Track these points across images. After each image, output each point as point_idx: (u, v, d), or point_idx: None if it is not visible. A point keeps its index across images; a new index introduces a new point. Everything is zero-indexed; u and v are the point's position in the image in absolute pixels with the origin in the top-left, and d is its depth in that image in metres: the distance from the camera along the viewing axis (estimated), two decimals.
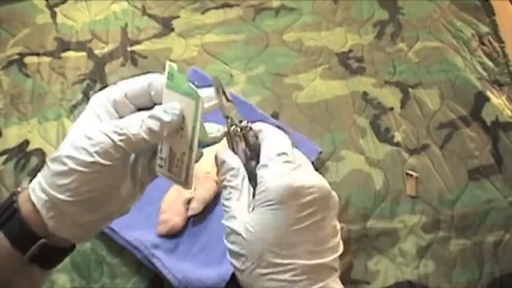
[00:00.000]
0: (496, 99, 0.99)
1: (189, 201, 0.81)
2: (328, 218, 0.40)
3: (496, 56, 1.07)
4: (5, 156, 0.93)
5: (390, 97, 1.00)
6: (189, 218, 0.81)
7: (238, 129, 0.43)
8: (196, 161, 0.43)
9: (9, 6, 1.21)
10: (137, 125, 0.41)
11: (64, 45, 1.12)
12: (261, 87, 1.02)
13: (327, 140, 0.93)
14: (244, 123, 0.43)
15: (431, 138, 0.93)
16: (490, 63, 1.05)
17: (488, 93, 0.99)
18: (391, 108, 0.98)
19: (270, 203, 0.38)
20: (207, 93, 0.44)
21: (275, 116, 0.96)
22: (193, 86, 0.41)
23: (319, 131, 0.94)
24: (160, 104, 0.43)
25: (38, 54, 1.11)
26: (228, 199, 0.41)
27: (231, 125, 0.43)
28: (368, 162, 0.90)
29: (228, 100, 0.43)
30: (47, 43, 1.13)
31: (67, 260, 0.71)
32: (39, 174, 0.43)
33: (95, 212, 0.43)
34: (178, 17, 1.18)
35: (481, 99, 0.98)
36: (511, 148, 0.91)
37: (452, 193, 0.86)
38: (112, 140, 0.40)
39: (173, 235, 0.79)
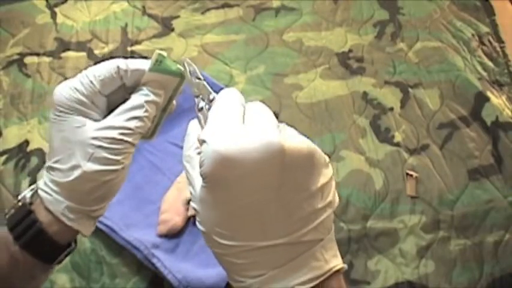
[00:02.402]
0: (496, 99, 0.99)
1: (189, 201, 0.81)
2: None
3: (496, 56, 1.07)
4: (5, 156, 0.93)
5: (390, 97, 1.00)
6: (189, 218, 0.81)
7: (207, 106, 0.42)
8: (170, 113, 0.47)
9: (9, 6, 1.21)
10: (141, 117, 0.43)
11: (64, 45, 1.12)
12: (261, 87, 1.02)
13: (327, 140, 0.93)
14: (212, 96, 0.42)
15: (431, 138, 0.93)
16: (490, 63, 1.05)
17: (488, 93, 0.99)
18: (391, 108, 0.98)
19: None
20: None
21: (275, 116, 0.96)
22: (180, 67, 0.45)
23: (319, 131, 0.94)
24: (132, 85, 0.44)
25: (38, 54, 1.11)
26: (188, 170, 0.39)
27: (199, 103, 0.42)
28: (368, 162, 0.90)
29: (198, 78, 0.43)
30: (47, 43, 1.13)
31: (67, 259, 0.71)
32: (59, 198, 0.42)
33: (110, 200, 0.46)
34: (178, 17, 1.18)
35: (481, 99, 0.98)
36: (511, 148, 0.91)
37: (452, 193, 0.86)
38: (129, 142, 0.42)
39: (173, 235, 0.79)
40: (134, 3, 1.21)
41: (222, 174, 0.33)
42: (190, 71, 0.44)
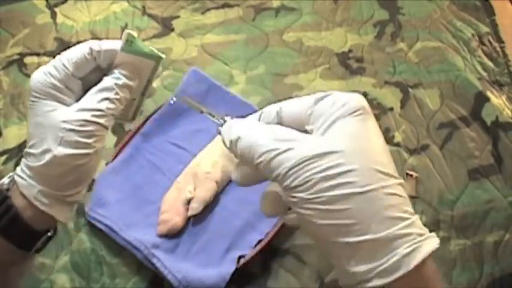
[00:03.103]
0: (496, 99, 0.99)
1: (189, 201, 0.81)
2: None
3: (496, 56, 1.07)
4: (5, 156, 0.93)
5: (390, 97, 1.00)
6: (189, 218, 0.81)
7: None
8: (149, 97, 0.47)
9: (9, 6, 1.21)
10: (113, 100, 0.43)
11: (64, 45, 1.12)
12: (261, 87, 1.02)
13: None
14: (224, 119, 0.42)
15: (431, 138, 0.93)
16: (490, 63, 1.05)
17: (488, 93, 0.99)
18: (391, 108, 0.98)
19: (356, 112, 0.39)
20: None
21: None
22: (154, 49, 0.45)
23: None
24: (106, 67, 0.44)
25: (38, 54, 1.11)
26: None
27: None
28: None
29: (201, 111, 0.44)
30: (47, 43, 1.13)
31: (67, 260, 0.72)
32: (32, 182, 0.43)
33: (87, 185, 0.46)
34: (178, 17, 1.18)
35: (481, 99, 0.98)
36: (511, 148, 0.91)
37: (452, 193, 0.86)
38: (100, 124, 0.42)
39: (173, 235, 0.79)
40: (134, 3, 1.21)
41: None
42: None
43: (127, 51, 0.43)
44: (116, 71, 0.43)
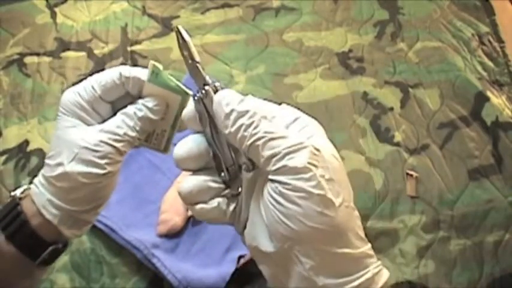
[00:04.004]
0: (496, 99, 0.98)
1: None
2: None
3: (496, 56, 1.07)
4: (5, 156, 0.93)
5: (390, 97, 1.00)
6: (189, 218, 0.81)
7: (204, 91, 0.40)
8: (179, 131, 0.46)
9: (9, 6, 1.21)
10: (132, 128, 0.42)
11: (64, 45, 1.12)
12: (261, 87, 1.02)
13: None
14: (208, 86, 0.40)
15: (431, 138, 0.93)
16: (490, 63, 1.05)
17: (488, 93, 0.99)
18: (391, 108, 0.98)
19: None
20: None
21: None
22: (181, 85, 0.43)
23: None
24: (136, 95, 0.44)
25: (38, 54, 1.11)
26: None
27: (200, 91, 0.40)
28: (368, 162, 0.90)
29: (191, 59, 0.40)
30: (47, 43, 1.13)
31: (67, 260, 0.72)
32: (42, 190, 0.43)
33: (100, 208, 0.46)
34: (178, 17, 1.18)
35: (481, 99, 0.98)
36: (511, 148, 0.91)
37: (452, 193, 0.86)
38: (116, 148, 0.42)
39: (173, 235, 0.79)
40: (134, 3, 1.21)
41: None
42: (156, 73, 0.43)
43: (154, 83, 0.43)
44: (140, 101, 0.43)
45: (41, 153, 0.93)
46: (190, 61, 0.40)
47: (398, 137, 0.94)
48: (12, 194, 0.45)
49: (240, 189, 0.40)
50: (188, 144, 0.40)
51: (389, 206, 0.84)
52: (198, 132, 0.41)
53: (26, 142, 0.95)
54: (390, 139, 0.93)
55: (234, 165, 0.40)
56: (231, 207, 0.40)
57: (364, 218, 0.83)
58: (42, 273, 0.47)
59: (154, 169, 0.87)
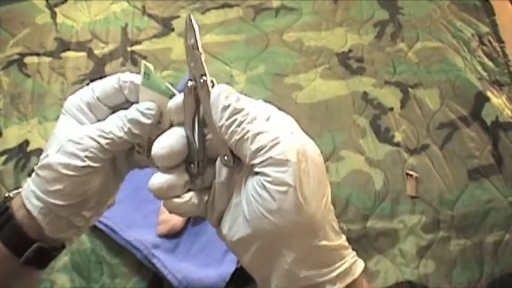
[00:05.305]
0: (496, 99, 0.99)
1: None
2: None
3: (496, 56, 1.07)
4: (5, 156, 0.93)
5: (390, 97, 1.00)
6: (189, 218, 0.81)
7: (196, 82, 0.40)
8: None
9: (9, 6, 1.21)
10: (120, 128, 0.43)
11: (64, 45, 1.12)
12: (261, 87, 1.02)
13: (327, 140, 0.93)
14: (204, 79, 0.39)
15: (431, 138, 0.93)
16: (490, 63, 1.05)
17: (488, 93, 0.99)
18: (391, 108, 0.98)
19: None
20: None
21: None
22: (170, 86, 0.43)
23: (319, 131, 0.94)
24: (135, 101, 0.44)
25: (38, 54, 1.11)
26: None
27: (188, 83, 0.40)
28: (368, 162, 0.90)
29: (193, 47, 0.40)
30: (47, 43, 1.13)
31: (67, 260, 0.72)
32: (29, 182, 0.44)
33: (88, 211, 0.46)
34: (178, 17, 1.18)
35: (481, 99, 0.98)
36: (511, 148, 0.91)
37: (452, 193, 0.86)
38: (99, 143, 0.42)
39: (173, 235, 0.79)
40: (134, 3, 1.21)
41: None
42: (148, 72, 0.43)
43: (147, 86, 0.43)
44: (134, 105, 0.43)
45: (41, 153, 0.92)
46: (194, 50, 0.40)
47: (398, 137, 0.94)
48: (7, 194, 0.46)
49: (210, 184, 0.41)
50: (169, 141, 0.41)
51: (389, 206, 0.84)
52: (176, 125, 0.42)
53: (26, 142, 0.95)
54: (390, 139, 0.93)
55: (204, 161, 0.41)
56: (203, 201, 0.41)
57: (364, 218, 0.83)
58: (37, 275, 0.47)
59: (154, 169, 0.87)
